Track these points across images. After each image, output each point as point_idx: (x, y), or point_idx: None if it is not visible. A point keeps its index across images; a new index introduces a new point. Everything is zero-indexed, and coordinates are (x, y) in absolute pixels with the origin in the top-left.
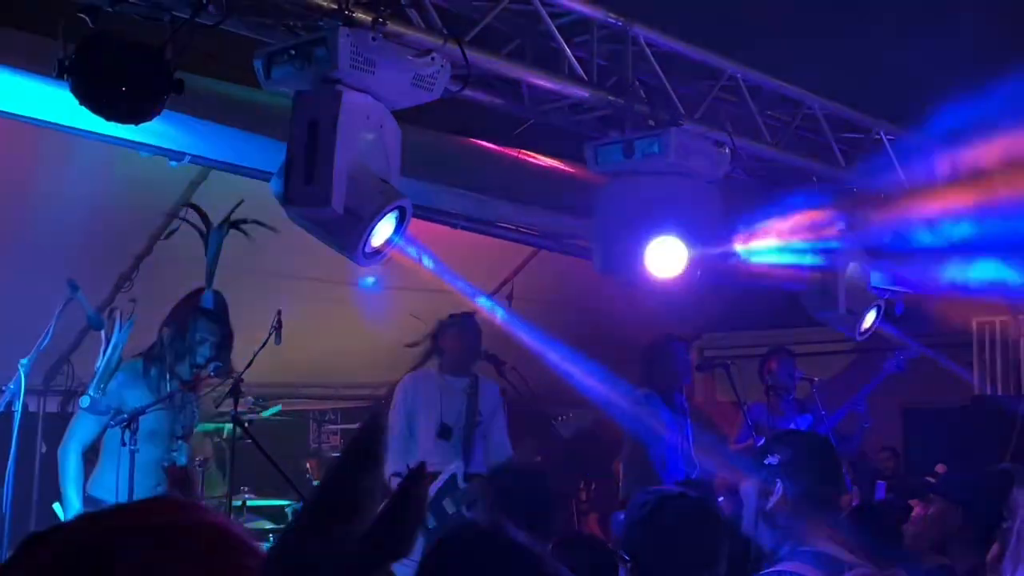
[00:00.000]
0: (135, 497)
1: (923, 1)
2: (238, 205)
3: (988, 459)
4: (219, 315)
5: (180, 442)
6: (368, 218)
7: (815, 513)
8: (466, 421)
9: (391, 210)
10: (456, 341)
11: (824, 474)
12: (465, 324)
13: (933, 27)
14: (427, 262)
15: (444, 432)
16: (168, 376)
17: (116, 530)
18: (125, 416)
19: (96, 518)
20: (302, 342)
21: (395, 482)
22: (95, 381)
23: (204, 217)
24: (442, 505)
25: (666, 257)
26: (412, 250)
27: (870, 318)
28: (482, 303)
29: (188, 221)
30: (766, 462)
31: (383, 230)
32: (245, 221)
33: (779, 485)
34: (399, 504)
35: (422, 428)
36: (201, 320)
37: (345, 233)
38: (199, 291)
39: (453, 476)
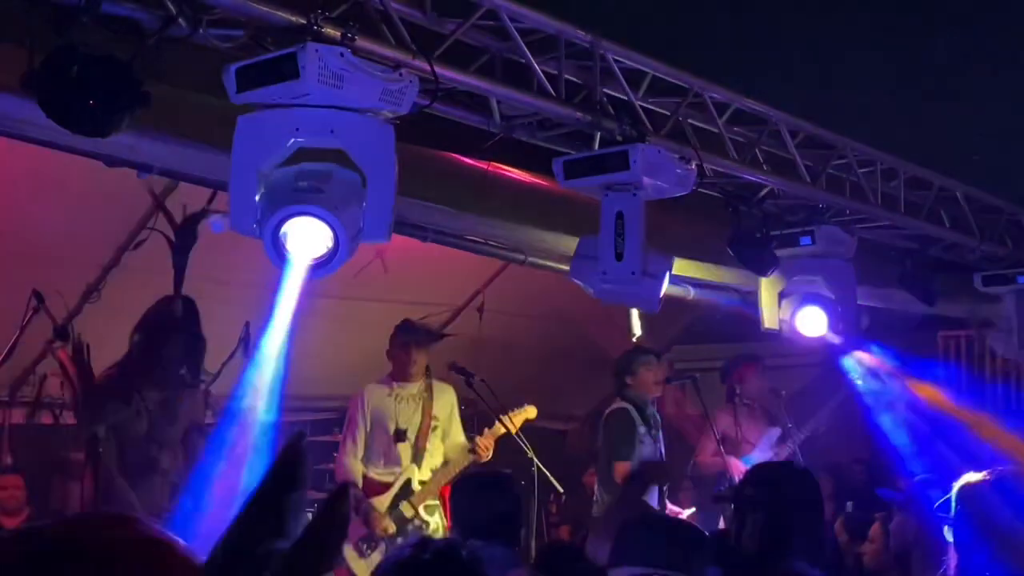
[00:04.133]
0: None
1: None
2: (208, 207)
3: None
4: (188, 324)
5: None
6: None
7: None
8: (420, 425)
9: None
10: (401, 350)
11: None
12: (407, 332)
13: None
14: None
15: (399, 436)
16: (142, 388)
17: (49, 556)
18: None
19: (26, 539)
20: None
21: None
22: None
23: (172, 221)
24: (399, 509)
25: None
26: None
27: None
28: None
29: (157, 230)
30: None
31: None
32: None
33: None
34: (322, 521)
35: (379, 434)
36: (171, 335)
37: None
38: (168, 299)
39: (408, 480)
